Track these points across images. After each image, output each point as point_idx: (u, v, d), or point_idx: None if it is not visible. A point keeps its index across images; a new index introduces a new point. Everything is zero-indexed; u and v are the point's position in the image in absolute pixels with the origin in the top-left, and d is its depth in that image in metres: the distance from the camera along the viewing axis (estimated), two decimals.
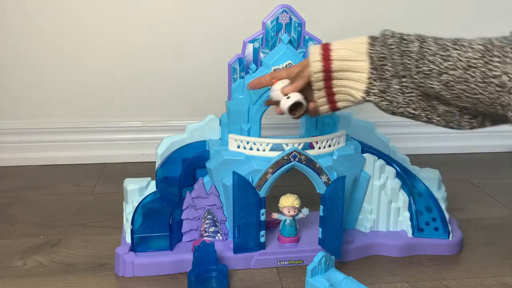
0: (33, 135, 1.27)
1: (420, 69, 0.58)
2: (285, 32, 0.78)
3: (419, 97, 0.61)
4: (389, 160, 0.87)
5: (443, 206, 0.86)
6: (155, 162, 0.84)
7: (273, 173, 0.76)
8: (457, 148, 1.40)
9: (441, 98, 0.58)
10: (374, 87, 0.64)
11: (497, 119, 0.58)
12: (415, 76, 0.59)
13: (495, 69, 0.52)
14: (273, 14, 0.77)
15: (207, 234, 0.83)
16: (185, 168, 0.82)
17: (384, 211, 0.87)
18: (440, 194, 0.87)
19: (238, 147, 0.79)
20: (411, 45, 0.59)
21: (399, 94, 0.62)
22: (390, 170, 0.86)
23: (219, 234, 0.83)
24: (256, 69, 0.79)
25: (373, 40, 0.64)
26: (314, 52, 0.65)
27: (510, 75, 0.51)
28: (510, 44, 0.53)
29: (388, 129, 1.22)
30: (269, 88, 0.75)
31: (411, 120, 0.65)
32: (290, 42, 0.78)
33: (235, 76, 0.80)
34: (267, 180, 0.76)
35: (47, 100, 1.26)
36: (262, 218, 0.78)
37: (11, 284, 0.75)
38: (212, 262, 0.74)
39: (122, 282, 0.76)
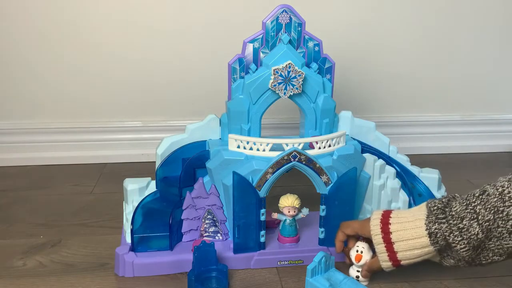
0: (33, 135, 1.27)
1: (491, 237, 0.62)
2: (285, 32, 0.78)
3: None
4: (389, 160, 0.87)
5: None
6: (155, 162, 0.84)
7: (273, 173, 0.76)
8: (457, 148, 1.40)
9: None
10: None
11: None
12: (490, 243, 0.63)
13: None
14: (273, 14, 0.77)
15: (207, 234, 0.83)
16: (185, 168, 0.82)
17: None
18: (440, 194, 0.87)
19: (238, 147, 0.79)
20: (472, 230, 0.62)
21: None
22: (390, 170, 0.86)
23: (219, 234, 0.83)
24: (256, 69, 0.79)
25: (433, 236, 0.65)
26: (377, 234, 0.70)
27: None
28: None
29: (388, 129, 1.22)
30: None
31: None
32: (290, 42, 0.78)
33: (235, 76, 0.80)
34: (267, 180, 0.76)
35: (47, 100, 1.27)
36: (262, 218, 0.78)
37: (11, 284, 0.75)
38: (212, 262, 0.74)
39: (122, 282, 0.76)
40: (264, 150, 0.78)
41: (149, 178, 0.85)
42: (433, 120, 1.39)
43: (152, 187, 0.84)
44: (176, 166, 0.83)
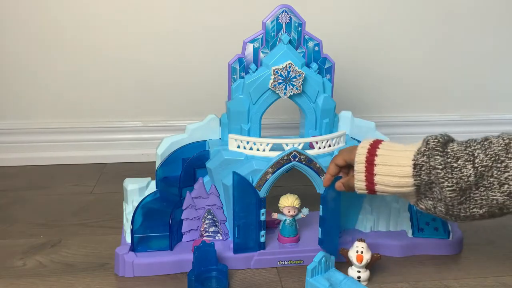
0: (33, 135, 1.27)
1: (480, 185, 0.58)
2: (285, 32, 0.78)
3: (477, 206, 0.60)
4: None
5: None
6: (155, 162, 0.84)
7: (273, 173, 0.76)
8: None
9: (506, 207, 0.58)
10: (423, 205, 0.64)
11: None
12: (475, 192, 0.58)
13: None
14: (273, 14, 0.77)
15: (207, 234, 0.83)
16: (185, 168, 0.82)
17: (384, 211, 0.87)
18: None
19: (238, 147, 0.79)
20: (465, 170, 0.57)
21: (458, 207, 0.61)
22: None
23: (219, 234, 0.83)
24: (256, 69, 0.79)
25: (418, 168, 0.61)
26: (361, 153, 0.66)
27: None
28: None
29: (388, 129, 1.22)
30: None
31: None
32: (290, 42, 0.78)
33: (235, 76, 0.80)
34: (267, 180, 0.76)
35: (47, 100, 1.26)
36: (262, 218, 0.78)
37: (11, 284, 0.75)
38: (212, 262, 0.74)
39: (122, 282, 0.76)
40: (264, 150, 0.78)
41: (149, 178, 0.85)
42: (433, 120, 1.39)
43: (152, 187, 0.84)
44: (176, 166, 0.83)
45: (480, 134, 0.63)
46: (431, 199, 0.62)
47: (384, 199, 0.86)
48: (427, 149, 0.61)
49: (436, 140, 0.61)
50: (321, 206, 0.79)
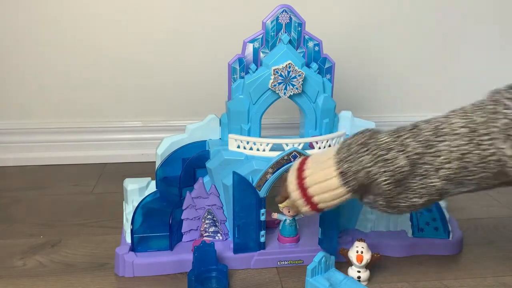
0: (33, 135, 1.27)
1: (415, 173, 0.56)
2: (285, 32, 0.78)
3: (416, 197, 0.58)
4: None
5: (443, 206, 0.86)
6: (155, 162, 0.84)
7: (273, 173, 0.76)
8: None
9: (445, 191, 0.57)
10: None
11: (497, 185, 0.56)
12: (413, 181, 0.56)
13: (489, 147, 0.51)
14: (273, 14, 0.77)
15: (207, 234, 0.83)
16: (185, 168, 0.82)
17: None
18: None
19: (238, 147, 0.79)
20: (398, 162, 0.56)
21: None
22: None
23: (219, 234, 0.83)
24: (256, 69, 0.79)
25: (344, 176, 0.60)
26: (291, 182, 0.65)
27: (502, 151, 0.50)
28: (488, 116, 0.52)
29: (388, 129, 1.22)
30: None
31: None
32: (290, 42, 0.78)
33: (235, 76, 0.80)
34: (267, 180, 0.76)
35: (47, 100, 1.27)
36: (262, 218, 0.78)
37: (11, 284, 0.75)
38: (212, 262, 0.74)
39: (122, 282, 0.76)
40: (264, 150, 0.78)
41: (149, 178, 0.85)
42: None
43: (152, 187, 0.84)
44: (176, 166, 0.83)
45: None
46: (372, 193, 0.60)
47: None
48: (349, 154, 0.59)
49: (358, 142, 0.59)
50: None
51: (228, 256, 0.79)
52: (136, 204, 0.80)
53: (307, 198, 0.64)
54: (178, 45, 1.25)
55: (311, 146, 0.80)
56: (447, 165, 0.54)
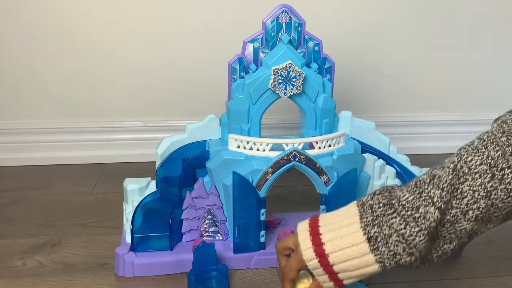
0: (33, 135, 1.27)
1: (444, 221, 0.54)
2: (285, 32, 0.78)
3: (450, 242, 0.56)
4: (389, 160, 0.87)
5: None
6: (155, 162, 0.84)
7: (273, 173, 0.76)
8: (457, 148, 1.40)
9: (475, 232, 0.55)
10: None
11: None
12: (442, 229, 0.54)
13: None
14: (273, 14, 0.77)
15: (207, 234, 0.83)
16: (185, 168, 0.82)
17: None
18: None
19: (238, 147, 0.79)
20: (429, 215, 0.53)
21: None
22: (390, 170, 0.86)
23: (219, 234, 0.83)
24: (256, 69, 0.79)
25: (373, 241, 0.54)
26: (306, 249, 0.57)
27: None
28: (505, 148, 0.51)
29: (388, 129, 1.22)
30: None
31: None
32: (290, 42, 0.78)
33: (235, 76, 0.80)
34: (267, 180, 0.76)
35: (47, 100, 1.27)
36: (262, 218, 0.78)
37: (11, 284, 0.75)
38: (212, 262, 0.74)
39: (122, 282, 0.76)
40: (264, 150, 0.78)
41: (149, 178, 0.85)
42: (433, 120, 1.39)
43: (152, 187, 0.84)
44: (176, 166, 0.83)
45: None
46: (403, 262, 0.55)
47: None
48: (375, 217, 0.54)
49: (380, 204, 0.55)
50: (321, 206, 0.79)
51: (228, 256, 0.79)
52: (136, 204, 0.80)
53: (329, 267, 0.56)
54: (178, 45, 1.25)
55: (311, 146, 0.80)
56: (474, 206, 0.52)
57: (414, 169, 0.89)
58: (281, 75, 0.76)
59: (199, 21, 1.24)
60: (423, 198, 0.53)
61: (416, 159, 0.97)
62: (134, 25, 1.23)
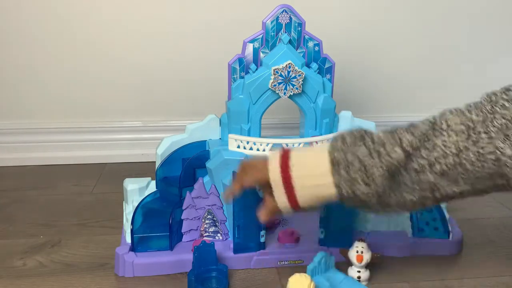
0: (33, 135, 1.27)
1: (410, 168, 0.55)
2: (285, 32, 0.78)
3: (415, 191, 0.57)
4: None
5: (442, 206, 0.86)
6: (155, 162, 0.84)
7: None
8: None
9: (438, 187, 0.56)
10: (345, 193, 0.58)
11: (491, 188, 0.56)
12: (406, 176, 0.56)
13: (487, 145, 0.52)
14: (273, 14, 0.77)
15: (207, 234, 0.83)
16: (185, 168, 0.82)
17: None
18: None
19: (238, 147, 0.79)
20: (393, 154, 0.55)
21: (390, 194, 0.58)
22: None
23: (219, 234, 0.83)
24: (256, 69, 0.79)
25: (336, 164, 0.56)
26: (272, 159, 0.60)
27: (501, 150, 0.51)
28: (487, 115, 0.52)
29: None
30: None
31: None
32: (290, 42, 0.78)
33: (235, 76, 0.80)
34: None
35: (47, 100, 1.27)
36: None
37: (11, 284, 0.75)
38: (212, 262, 0.74)
39: (122, 282, 0.76)
40: (264, 150, 0.78)
41: (149, 178, 0.85)
42: None
43: (152, 187, 0.84)
44: (176, 166, 0.83)
45: None
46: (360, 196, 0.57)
47: None
48: (343, 145, 0.57)
49: (353, 136, 0.57)
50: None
51: (228, 256, 0.79)
52: (136, 204, 0.80)
53: (288, 179, 0.58)
54: (178, 45, 1.25)
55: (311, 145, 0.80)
56: (442, 160, 0.54)
57: None
58: (281, 75, 0.76)
59: (199, 21, 1.24)
60: (394, 138, 0.55)
61: None
62: (134, 25, 1.23)
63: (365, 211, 0.60)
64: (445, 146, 0.54)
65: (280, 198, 0.59)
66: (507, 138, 0.50)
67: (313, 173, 0.57)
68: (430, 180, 0.55)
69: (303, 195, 0.58)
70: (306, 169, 0.58)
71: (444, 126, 0.54)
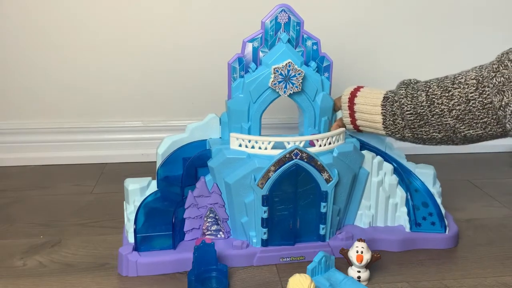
0: (33, 135, 1.27)
1: (434, 112, 0.71)
2: (284, 31, 0.78)
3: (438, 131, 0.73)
4: (386, 157, 0.87)
5: (438, 201, 0.86)
6: (155, 162, 0.84)
7: (275, 170, 0.76)
8: (457, 148, 1.40)
9: (458, 130, 0.70)
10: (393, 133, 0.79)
11: (502, 134, 0.69)
12: (432, 119, 0.71)
13: (488, 97, 0.65)
14: (272, 14, 0.77)
15: (209, 232, 0.83)
16: (186, 167, 0.82)
17: (382, 207, 0.87)
18: (435, 189, 0.87)
19: (240, 145, 0.79)
20: (420, 97, 0.72)
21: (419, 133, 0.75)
22: (388, 167, 0.86)
23: (221, 232, 0.83)
24: (256, 68, 0.79)
25: (385, 99, 0.77)
26: (344, 110, 0.82)
27: (494, 102, 0.64)
28: (492, 72, 0.64)
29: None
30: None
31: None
32: (289, 41, 0.78)
33: (235, 75, 0.80)
34: (269, 178, 0.76)
35: (47, 100, 1.27)
36: (265, 215, 0.78)
37: (11, 284, 0.75)
38: (212, 262, 0.74)
39: (122, 282, 0.76)
40: (266, 149, 0.78)
41: (150, 178, 0.85)
42: None
43: (153, 186, 0.83)
44: (177, 166, 0.83)
45: None
46: (402, 119, 0.75)
47: (381, 196, 0.86)
48: (396, 88, 0.77)
49: (403, 81, 0.78)
50: (321, 203, 0.80)
51: (231, 254, 0.79)
52: (137, 204, 0.80)
53: (352, 106, 0.80)
54: (177, 44, 1.25)
55: (311, 144, 0.80)
56: (457, 107, 0.68)
57: (410, 165, 0.89)
58: (281, 74, 0.76)
59: (199, 21, 1.24)
60: (425, 85, 0.73)
61: (416, 159, 0.97)
62: (134, 25, 1.23)
63: (404, 141, 0.78)
64: (460, 96, 0.68)
65: (346, 118, 0.82)
66: (499, 93, 0.63)
67: (369, 103, 0.78)
68: (450, 123, 0.70)
69: (360, 118, 0.80)
70: (365, 99, 0.79)
71: (462, 80, 0.68)
